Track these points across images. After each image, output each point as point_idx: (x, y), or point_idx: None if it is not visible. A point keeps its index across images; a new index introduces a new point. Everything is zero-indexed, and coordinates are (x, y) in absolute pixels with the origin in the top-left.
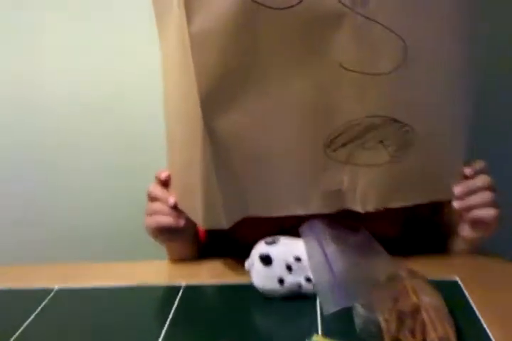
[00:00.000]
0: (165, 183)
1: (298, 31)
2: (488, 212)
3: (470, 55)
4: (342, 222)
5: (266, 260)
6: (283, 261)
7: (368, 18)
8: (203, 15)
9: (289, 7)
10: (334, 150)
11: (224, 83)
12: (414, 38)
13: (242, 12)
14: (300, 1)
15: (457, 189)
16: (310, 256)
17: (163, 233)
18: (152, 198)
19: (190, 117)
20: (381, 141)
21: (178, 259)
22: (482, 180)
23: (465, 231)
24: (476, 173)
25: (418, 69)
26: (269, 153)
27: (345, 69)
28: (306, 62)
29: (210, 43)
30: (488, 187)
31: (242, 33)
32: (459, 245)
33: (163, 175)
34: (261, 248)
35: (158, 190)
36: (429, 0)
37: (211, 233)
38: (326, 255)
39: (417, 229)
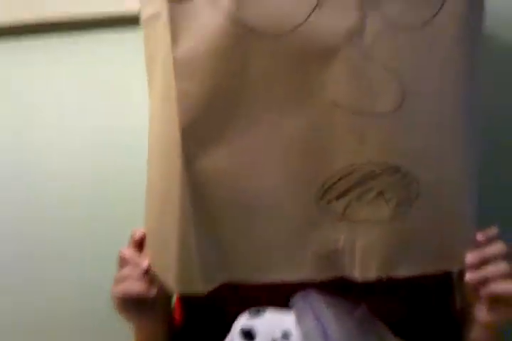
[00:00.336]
0: (140, 245)
1: (289, 63)
2: (508, 286)
3: (473, 100)
4: (341, 297)
5: (248, 335)
6: (268, 336)
7: (364, 53)
8: (187, 39)
9: (279, 35)
10: (328, 203)
11: (208, 115)
12: (412, 78)
13: (231, 38)
14: (292, 30)
15: (469, 257)
16: (303, 331)
17: (129, 305)
18: (123, 262)
19: (170, 153)
20: (381, 194)
21: None
22: (497, 248)
23: (482, 313)
24: (490, 240)
25: (416, 112)
26: (254, 202)
27: (339, 107)
28: (298, 98)
29: (195, 70)
30: (503, 257)
31: (230, 60)
32: (475, 332)
33: (138, 234)
34: (243, 320)
35: (129, 253)
36: (429, 38)
37: (190, 309)
38: (323, 332)
39: (426, 310)
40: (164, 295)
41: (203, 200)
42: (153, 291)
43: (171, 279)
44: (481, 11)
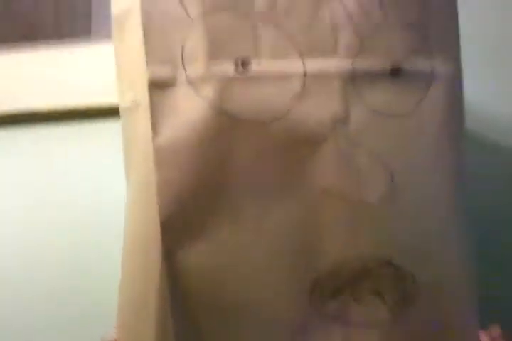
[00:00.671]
0: None
1: (275, 151)
2: None
3: (461, 186)
4: None
5: None
6: None
7: (349, 141)
8: (169, 127)
9: (263, 124)
10: (322, 303)
11: (190, 206)
12: (400, 166)
13: (211, 126)
14: (276, 120)
15: None
16: None
17: None
18: None
19: (147, 251)
20: (378, 292)
21: None
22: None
23: None
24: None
25: (407, 201)
26: (239, 305)
27: (329, 196)
28: (286, 186)
29: (176, 159)
30: None
31: (213, 149)
32: None
33: (109, 338)
34: None
35: None
36: (414, 127)
37: None
38: None
39: None
40: None
41: (182, 302)
42: None
43: None
44: (462, 92)
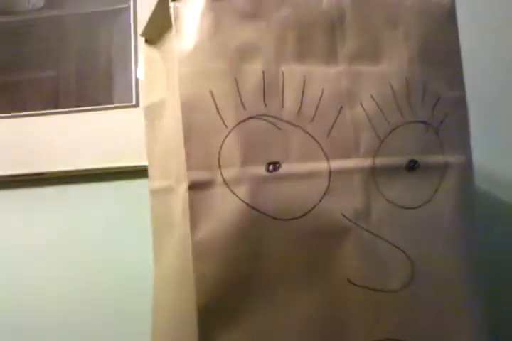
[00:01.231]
0: None
1: (302, 243)
2: None
3: (476, 268)
4: None
5: None
6: None
7: (372, 233)
8: (206, 223)
9: (292, 219)
10: None
11: (224, 297)
12: (418, 252)
13: (245, 221)
14: (304, 214)
15: None
16: None
17: None
18: None
19: (183, 334)
20: None
21: None
22: None
23: None
24: None
25: (427, 287)
26: None
27: (354, 284)
28: (313, 276)
29: (213, 252)
30: None
31: (246, 243)
32: None
33: None
34: None
35: None
36: (430, 216)
37: None
38: None
39: None
40: None
41: None
42: None
43: None
44: (473, 178)
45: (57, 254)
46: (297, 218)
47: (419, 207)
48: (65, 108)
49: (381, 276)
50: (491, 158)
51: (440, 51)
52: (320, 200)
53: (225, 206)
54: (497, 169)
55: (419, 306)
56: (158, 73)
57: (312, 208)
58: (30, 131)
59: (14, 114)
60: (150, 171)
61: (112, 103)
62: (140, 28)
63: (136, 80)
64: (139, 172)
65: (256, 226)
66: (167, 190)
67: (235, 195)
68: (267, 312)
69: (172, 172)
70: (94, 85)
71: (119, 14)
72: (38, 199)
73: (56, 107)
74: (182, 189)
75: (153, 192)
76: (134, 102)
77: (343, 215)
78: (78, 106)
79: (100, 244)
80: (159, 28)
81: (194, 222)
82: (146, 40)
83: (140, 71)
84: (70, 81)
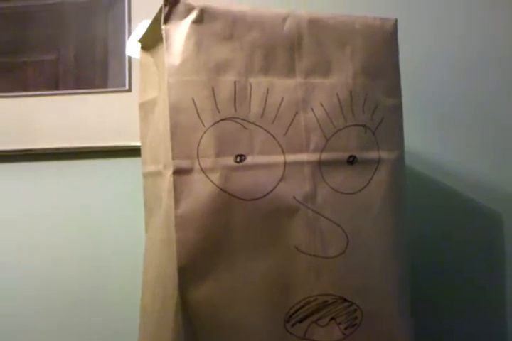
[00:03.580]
0: None
1: (262, 218)
2: None
3: (400, 242)
4: None
5: None
6: None
7: (316, 212)
8: (186, 201)
9: (254, 199)
10: (292, 325)
11: (200, 258)
12: (352, 228)
13: (217, 200)
14: (263, 196)
15: None
16: None
17: None
18: None
19: (166, 286)
20: (333, 318)
21: None
22: None
23: None
24: None
25: (358, 255)
26: (233, 327)
27: (299, 251)
28: (268, 244)
29: (190, 224)
30: None
31: (217, 217)
32: None
33: None
34: None
35: None
36: (364, 200)
37: None
38: None
39: None
40: None
41: (192, 325)
42: None
43: None
44: (403, 174)
45: (55, 221)
46: (258, 199)
47: (356, 193)
48: (64, 90)
49: (322, 246)
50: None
51: (381, 66)
52: (276, 185)
53: (202, 188)
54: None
55: (351, 269)
56: (151, 75)
57: (270, 191)
58: (30, 111)
59: (16, 94)
60: (143, 156)
61: (107, 87)
62: (134, 16)
63: (129, 66)
64: (131, 152)
65: (226, 205)
66: (156, 174)
67: (210, 180)
68: (232, 272)
69: (161, 159)
70: (91, 69)
71: (115, 2)
72: (34, 173)
73: (56, 89)
74: (168, 174)
75: (145, 175)
76: (126, 87)
77: (294, 198)
78: (77, 88)
79: (94, 213)
80: (153, 39)
81: (177, 200)
82: (142, 47)
83: (131, 48)
84: (68, 64)
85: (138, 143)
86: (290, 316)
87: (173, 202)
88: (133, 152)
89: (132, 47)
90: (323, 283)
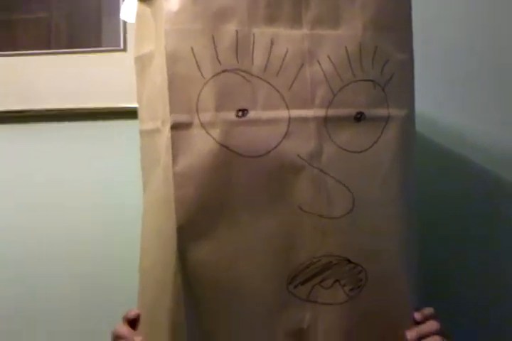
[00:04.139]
0: (133, 324)
1: (263, 176)
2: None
3: (408, 205)
4: None
5: None
6: None
7: (321, 170)
8: (185, 158)
9: (257, 156)
10: (295, 287)
11: (199, 217)
12: (359, 188)
13: (217, 157)
14: (266, 153)
15: (409, 334)
16: None
17: None
18: (116, 337)
19: (165, 247)
20: (337, 280)
21: None
22: (431, 325)
23: None
24: (426, 319)
25: (364, 216)
26: (235, 288)
27: (303, 211)
28: (272, 204)
29: (189, 181)
30: (437, 333)
31: (218, 174)
32: None
33: (132, 313)
34: None
35: (124, 329)
36: (372, 160)
37: None
38: None
39: None
40: None
41: (192, 286)
42: None
43: None
44: (413, 133)
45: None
46: (261, 156)
47: (363, 152)
48: (56, 49)
49: (327, 205)
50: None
51: (392, 19)
52: (280, 142)
53: (201, 144)
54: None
55: (357, 230)
56: (148, 27)
57: (273, 148)
58: (20, 71)
59: (6, 53)
60: (140, 114)
61: (101, 46)
62: None
63: (124, 25)
64: (126, 114)
65: (226, 162)
66: (154, 131)
67: (210, 135)
68: (233, 232)
69: (158, 115)
70: (84, 28)
71: None
72: (26, 135)
73: (48, 48)
74: (166, 129)
75: (142, 133)
76: (121, 47)
77: (299, 156)
78: (70, 47)
79: (89, 175)
80: None
81: (175, 156)
82: None
83: (125, 12)
84: (61, 23)
85: (133, 105)
86: (293, 278)
87: (171, 159)
88: (128, 114)
89: (127, 10)
90: (327, 243)
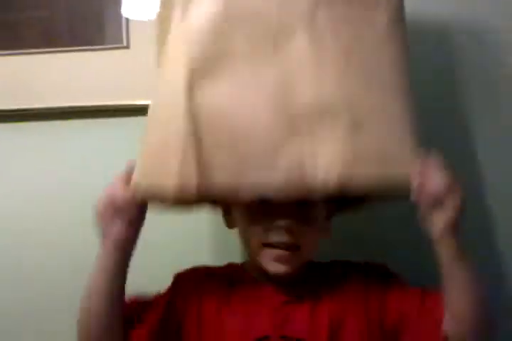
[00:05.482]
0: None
1: (264, 32)
2: (439, 181)
3: (404, 61)
4: None
5: None
6: None
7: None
8: (194, 13)
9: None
10: (297, 122)
11: (204, 64)
12: (357, 52)
13: (225, 13)
14: (268, 13)
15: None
16: None
17: (108, 208)
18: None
19: (174, 96)
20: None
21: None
22: (434, 161)
23: (434, 225)
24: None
25: (362, 69)
26: (240, 123)
27: (301, 62)
28: (271, 56)
29: (198, 36)
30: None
31: (223, 28)
32: (443, 254)
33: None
34: None
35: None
36: (367, 22)
37: None
38: None
39: None
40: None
41: (199, 129)
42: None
43: (168, 174)
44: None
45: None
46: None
47: (358, 21)
48: (58, 47)
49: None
50: None
51: None
52: (276, 4)
53: (208, 7)
54: None
55: (355, 79)
56: None
57: (271, 11)
58: (24, 69)
59: (8, 52)
60: None
61: (104, 44)
62: None
63: (127, 23)
64: (130, 111)
65: (230, 19)
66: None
67: None
68: (235, 78)
69: None
70: (87, 26)
71: None
72: (29, 133)
73: (49, 46)
74: None
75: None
76: (124, 44)
77: (293, 15)
78: (71, 46)
79: (87, 173)
80: None
81: (184, 12)
82: None
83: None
84: (62, 21)
85: (137, 102)
86: (291, 122)
87: (180, 16)
88: (132, 111)
89: (129, 7)
90: (324, 92)
